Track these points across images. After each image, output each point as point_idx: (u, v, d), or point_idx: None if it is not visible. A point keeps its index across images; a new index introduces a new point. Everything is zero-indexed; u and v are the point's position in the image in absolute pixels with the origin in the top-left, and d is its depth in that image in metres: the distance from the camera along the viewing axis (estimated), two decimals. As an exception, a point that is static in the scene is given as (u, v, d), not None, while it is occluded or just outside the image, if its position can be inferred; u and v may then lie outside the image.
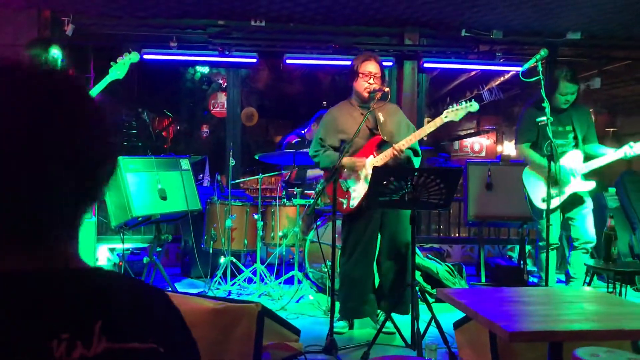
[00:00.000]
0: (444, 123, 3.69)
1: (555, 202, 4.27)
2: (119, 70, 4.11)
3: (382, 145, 3.86)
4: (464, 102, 3.68)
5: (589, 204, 4.46)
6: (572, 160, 4.39)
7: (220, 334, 2.78)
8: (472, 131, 13.62)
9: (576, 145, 4.47)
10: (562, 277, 5.41)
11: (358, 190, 3.82)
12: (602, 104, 9.26)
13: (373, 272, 4.03)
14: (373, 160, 3.82)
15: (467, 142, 14.67)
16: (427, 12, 5.67)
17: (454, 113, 3.66)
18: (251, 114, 10.84)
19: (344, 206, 3.85)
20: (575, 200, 4.43)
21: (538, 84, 4.01)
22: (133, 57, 4.18)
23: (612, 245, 3.98)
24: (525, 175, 4.62)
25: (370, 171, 3.80)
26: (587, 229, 4.44)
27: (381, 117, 3.87)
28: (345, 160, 3.72)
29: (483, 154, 14.21)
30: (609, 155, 4.32)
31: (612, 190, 5.75)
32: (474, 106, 3.66)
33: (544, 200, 4.40)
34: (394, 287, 3.95)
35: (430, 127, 3.72)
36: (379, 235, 3.95)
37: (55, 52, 3.86)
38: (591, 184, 4.38)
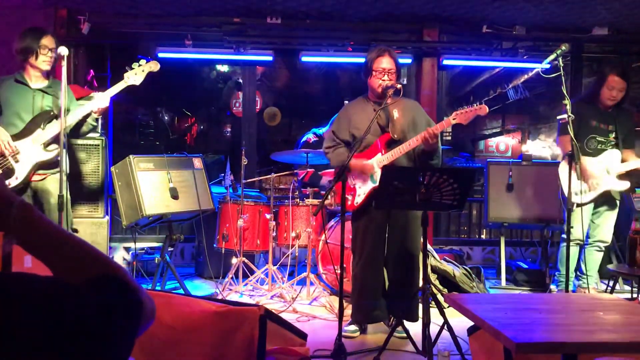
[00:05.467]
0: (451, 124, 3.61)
1: (587, 198, 4.30)
2: (135, 77, 3.98)
3: (391, 144, 3.75)
4: (473, 104, 3.54)
5: (617, 207, 4.47)
6: (610, 159, 4.38)
7: (223, 337, 2.70)
8: (497, 130, 13.36)
9: (616, 145, 4.44)
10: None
11: (363, 188, 3.74)
12: (632, 101, 8.95)
13: (383, 275, 3.91)
14: (381, 158, 3.72)
15: (492, 141, 14.41)
16: (446, 8, 5.52)
17: (462, 115, 3.52)
18: (274, 114, 10.79)
19: (349, 202, 3.79)
20: (607, 200, 4.41)
21: (563, 82, 3.84)
22: (153, 66, 4.03)
23: (638, 249, 3.80)
24: (562, 167, 4.54)
25: (377, 169, 3.72)
26: (605, 228, 4.46)
27: (395, 114, 3.75)
28: (353, 163, 3.64)
29: (509, 153, 13.94)
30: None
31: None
32: (483, 109, 3.50)
33: (576, 194, 4.34)
34: (401, 294, 3.84)
35: (438, 127, 3.58)
36: (387, 237, 3.83)
37: (47, 42, 3.82)
38: (626, 184, 4.31)
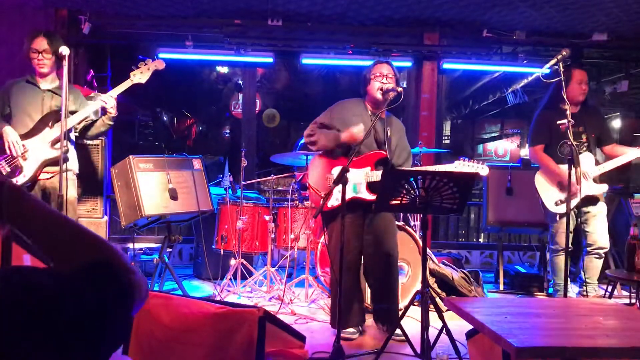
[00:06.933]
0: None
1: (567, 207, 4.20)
2: (141, 75, 4.03)
3: (381, 163, 3.78)
4: (476, 163, 3.64)
5: (602, 208, 4.40)
6: (584, 163, 4.34)
7: (221, 339, 2.70)
8: (496, 134, 13.40)
9: (588, 147, 4.41)
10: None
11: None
12: (630, 107, 8.98)
13: (359, 281, 3.91)
14: (370, 174, 3.74)
15: (491, 145, 14.44)
16: (447, 12, 5.54)
17: (465, 167, 3.63)
18: (273, 116, 10.83)
19: (321, 202, 3.70)
20: (589, 204, 4.38)
21: (564, 87, 3.85)
22: (158, 65, 4.08)
23: (636, 255, 3.81)
24: (538, 178, 4.54)
25: (361, 180, 3.74)
26: (600, 234, 4.39)
27: (388, 132, 3.78)
28: (344, 135, 3.66)
29: (507, 157, 13.96)
30: (629, 154, 4.29)
31: (638, 196, 5.53)
32: (484, 170, 3.62)
33: (556, 204, 4.33)
34: (382, 299, 3.85)
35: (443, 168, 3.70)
36: (363, 243, 3.83)
37: (36, 45, 3.85)
38: (604, 187, 4.29)
